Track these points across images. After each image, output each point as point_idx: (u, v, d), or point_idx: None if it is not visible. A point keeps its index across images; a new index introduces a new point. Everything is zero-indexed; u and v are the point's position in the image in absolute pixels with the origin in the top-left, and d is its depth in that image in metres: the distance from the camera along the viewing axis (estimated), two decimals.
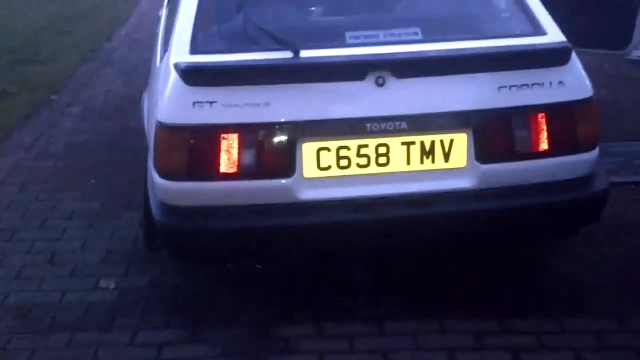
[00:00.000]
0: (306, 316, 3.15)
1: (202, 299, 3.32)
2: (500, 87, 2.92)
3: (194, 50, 3.01)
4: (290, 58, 2.90)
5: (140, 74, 6.39)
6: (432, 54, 2.96)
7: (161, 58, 3.35)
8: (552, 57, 2.99)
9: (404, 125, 2.90)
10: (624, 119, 5.05)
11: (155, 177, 2.96)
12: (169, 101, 2.91)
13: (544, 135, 2.96)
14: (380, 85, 2.88)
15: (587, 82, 3.04)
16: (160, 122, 2.90)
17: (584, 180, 3.06)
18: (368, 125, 2.88)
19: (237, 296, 3.32)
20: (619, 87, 5.61)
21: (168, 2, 4.45)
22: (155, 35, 4.20)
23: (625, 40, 4.99)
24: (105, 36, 7.69)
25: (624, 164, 4.51)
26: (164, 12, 4.53)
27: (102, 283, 3.44)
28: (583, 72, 3.05)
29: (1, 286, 3.45)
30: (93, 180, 4.49)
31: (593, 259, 3.56)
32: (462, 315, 3.13)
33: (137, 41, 7.50)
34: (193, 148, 2.87)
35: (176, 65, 2.91)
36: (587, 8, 4.55)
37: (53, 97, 5.98)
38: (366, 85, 2.88)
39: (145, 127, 3.58)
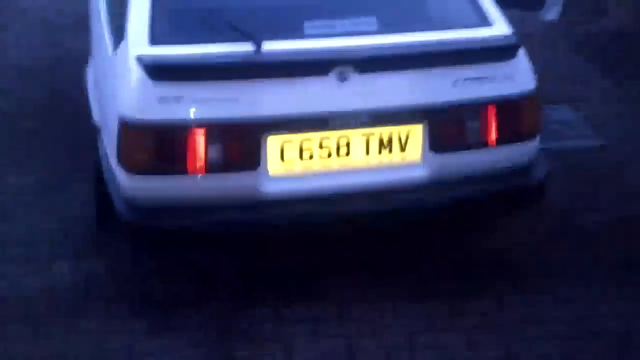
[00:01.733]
0: (268, 302, 3.26)
1: (161, 285, 3.36)
2: (454, 81, 3.07)
3: (153, 40, 3.00)
4: (254, 53, 2.94)
5: (55, 29, 6.16)
6: (392, 51, 3.06)
7: (113, 42, 3.29)
8: (503, 52, 3.14)
9: (364, 118, 3.01)
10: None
11: (119, 172, 2.97)
12: (134, 96, 2.91)
13: (493, 126, 3.14)
14: (343, 80, 2.97)
15: (532, 75, 3.22)
16: (124, 118, 2.90)
17: (528, 167, 3.27)
18: (331, 119, 2.98)
19: (196, 282, 3.38)
20: (528, 46, 5.82)
21: None
22: None
23: (540, 2, 5.27)
24: None
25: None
26: None
27: (56, 268, 3.43)
28: (528, 65, 3.23)
29: None
30: (25, 151, 4.37)
31: (520, 232, 3.76)
32: (415, 297, 3.32)
33: None
34: (159, 144, 2.90)
35: (140, 59, 2.90)
36: None
37: None
38: (329, 81, 2.97)
39: (92, 107, 3.55)
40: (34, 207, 3.87)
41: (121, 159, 2.94)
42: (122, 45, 3.11)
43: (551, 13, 5.74)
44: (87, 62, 4.05)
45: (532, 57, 3.27)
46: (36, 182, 4.07)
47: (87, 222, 3.69)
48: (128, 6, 3.15)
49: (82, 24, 4.72)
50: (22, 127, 4.61)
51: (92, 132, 3.57)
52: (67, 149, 4.31)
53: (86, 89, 3.75)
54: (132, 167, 2.92)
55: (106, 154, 3.15)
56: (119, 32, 3.23)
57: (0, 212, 3.83)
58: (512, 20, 3.46)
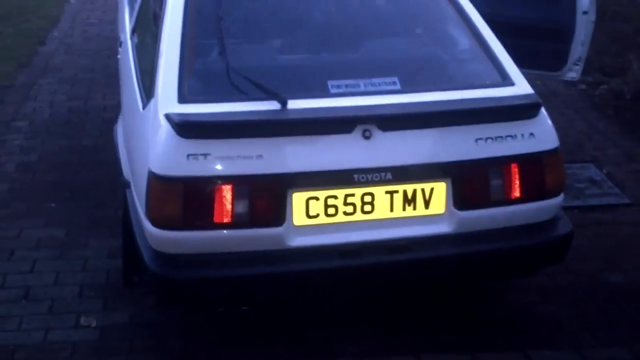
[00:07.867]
0: (291, 354, 3.28)
1: (185, 337, 3.40)
2: (477, 139, 3.11)
3: (182, 99, 3.08)
4: (279, 111, 3.02)
5: (82, 83, 6.34)
6: (415, 109, 3.12)
7: (143, 100, 3.38)
8: (525, 111, 3.19)
9: (388, 175, 3.05)
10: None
11: (148, 226, 3.02)
12: (163, 152, 2.97)
13: (516, 183, 3.17)
14: (367, 138, 3.02)
15: (554, 133, 3.26)
16: (153, 173, 2.96)
17: (551, 224, 3.29)
18: (355, 176, 3.02)
19: (220, 334, 3.42)
20: (551, 105, 5.91)
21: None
22: (122, 51, 4.27)
23: (560, 63, 5.35)
24: (38, 39, 7.51)
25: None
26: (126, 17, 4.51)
27: (84, 321, 3.48)
28: (550, 123, 3.27)
29: None
30: (53, 205, 4.48)
31: (546, 288, 3.79)
32: (437, 350, 3.33)
33: (72, 45, 7.38)
34: (187, 199, 2.95)
35: (169, 117, 2.97)
36: (529, 34, 4.88)
37: None
38: (353, 138, 3.02)
39: (122, 163, 3.62)
40: (62, 260, 3.94)
41: (149, 213, 3.00)
42: (151, 103, 3.19)
43: (572, 72, 5.82)
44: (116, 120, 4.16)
45: (555, 115, 3.31)
46: (64, 235, 4.16)
47: (112, 274, 3.76)
48: (158, 65, 3.24)
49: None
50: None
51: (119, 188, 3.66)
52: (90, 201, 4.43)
53: (116, 145, 3.82)
54: (160, 221, 2.97)
55: (135, 208, 3.21)
56: (148, 90, 3.31)
57: (30, 265, 3.90)
58: (533, 78, 3.57)
